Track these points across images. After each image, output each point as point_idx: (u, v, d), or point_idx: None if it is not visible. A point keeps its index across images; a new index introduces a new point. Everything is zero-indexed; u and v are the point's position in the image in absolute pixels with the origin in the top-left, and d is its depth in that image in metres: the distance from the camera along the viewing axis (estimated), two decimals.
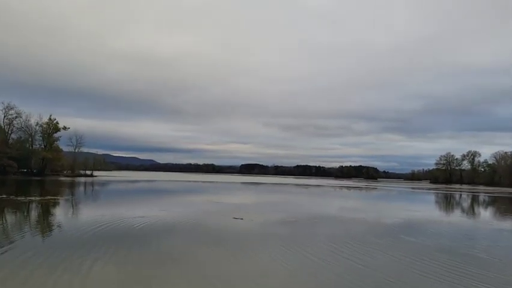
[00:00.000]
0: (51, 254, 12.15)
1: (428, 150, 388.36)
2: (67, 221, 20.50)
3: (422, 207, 40.18)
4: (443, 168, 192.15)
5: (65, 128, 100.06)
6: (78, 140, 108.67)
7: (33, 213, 24.37)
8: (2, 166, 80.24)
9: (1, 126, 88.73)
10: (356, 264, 12.21)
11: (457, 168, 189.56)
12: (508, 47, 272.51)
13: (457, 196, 67.31)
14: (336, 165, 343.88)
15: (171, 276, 10.21)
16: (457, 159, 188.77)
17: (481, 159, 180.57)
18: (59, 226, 18.70)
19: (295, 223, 22.20)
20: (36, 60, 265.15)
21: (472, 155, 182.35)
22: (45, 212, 25.24)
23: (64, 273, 10.01)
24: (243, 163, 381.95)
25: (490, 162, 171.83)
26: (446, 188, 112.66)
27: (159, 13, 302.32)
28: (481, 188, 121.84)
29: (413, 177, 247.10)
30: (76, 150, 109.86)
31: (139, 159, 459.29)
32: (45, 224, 19.77)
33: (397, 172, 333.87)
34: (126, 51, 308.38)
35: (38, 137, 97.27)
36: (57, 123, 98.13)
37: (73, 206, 29.31)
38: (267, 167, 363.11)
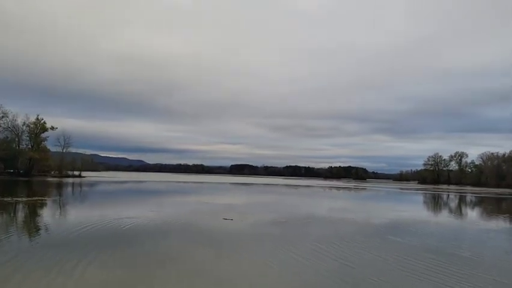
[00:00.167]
0: (37, 256, 12.04)
1: (416, 151, 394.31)
2: (54, 222, 20.29)
3: (410, 208, 40.61)
4: (431, 168, 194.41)
5: (52, 128, 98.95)
6: (66, 140, 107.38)
7: (20, 215, 24.06)
8: None
9: None
10: (343, 264, 12.32)
11: (444, 168, 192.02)
12: (495, 50, 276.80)
13: (445, 196, 68.12)
14: (326, 165, 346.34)
15: (160, 277, 10.19)
16: (444, 160, 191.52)
17: (468, 160, 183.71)
18: (46, 227, 18.51)
19: (285, 224, 22.28)
20: (25, 60, 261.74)
21: (459, 156, 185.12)
22: (32, 213, 24.92)
23: (50, 274, 9.94)
24: (233, 163, 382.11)
25: (476, 163, 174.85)
26: (433, 188, 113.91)
27: (151, 14, 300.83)
28: (468, 188, 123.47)
29: (402, 177, 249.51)
30: (64, 151, 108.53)
31: (128, 159, 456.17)
32: (32, 225, 19.54)
33: (386, 173, 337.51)
34: (117, 52, 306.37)
35: (25, 137, 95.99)
36: (44, 123, 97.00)
37: (60, 207, 29.00)
38: (257, 167, 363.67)
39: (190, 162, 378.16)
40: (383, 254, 14.12)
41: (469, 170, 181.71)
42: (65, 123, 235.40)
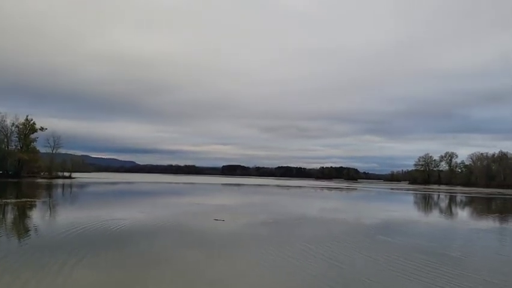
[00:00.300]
0: (26, 257, 11.90)
1: (407, 152, 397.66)
2: (43, 224, 20.08)
3: (400, 208, 40.94)
4: (422, 169, 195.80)
5: (42, 128, 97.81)
6: (56, 141, 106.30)
7: (9, 216, 23.77)
8: None
9: None
10: (334, 265, 12.35)
11: (435, 169, 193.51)
12: (484, 52, 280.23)
13: (435, 196, 68.72)
14: (317, 166, 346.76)
15: (152, 278, 10.13)
16: (435, 160, 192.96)
17: (458, 161, 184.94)
18: (35, 229, 18.32)
19: (277, 224, 22.29)
20: (13, 59, 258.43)
21: (450, 156, 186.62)
22: (22, 214, 24.65)
23: (40, 276, 9.82)
24: (225, 164, 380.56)
25: (466, 163, 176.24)
26: (424, 188, 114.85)
27: (139, 14, 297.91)
28: (458, 188, 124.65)
29: (393, 178, 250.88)
30: (54, 152, 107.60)
31: (119, 160, 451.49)
32: (21, 227, 19.33)
33: (377, 173, 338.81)
34: (106, 52, 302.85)
35: (14, 137, 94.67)
36: (34, 123, 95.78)
37: (50, 208, 28.72)
38: (248, 168, 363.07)
39: (182, 163, 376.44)
40: (374, 254, 14.18)
41: (459, 170, 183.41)
42: (54, 124, 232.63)
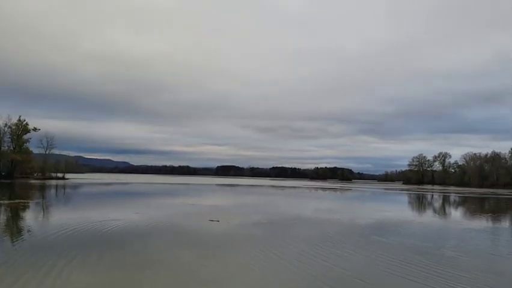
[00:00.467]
0: (19, 259, 11.81)
1: (401, 152, 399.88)
2: (36, 225, 19.92)
3: (395, 208, 41.11)
4: (416, 169, 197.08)
5: (35, 129, 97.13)
6: (49, 141, 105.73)
7: (1, 217, 23.56)
8: None
9: None
10: (328, 266, 12.37)
11: (428, 169, 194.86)
12: (476, 52, 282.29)
13: (429, 196, 69.11)
14: (312, 166, 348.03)
15: (146, 278, 10.09)
16: (428, 160, 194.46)
17: (452, 161, 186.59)
18: (28, 230, 18.18)
19: (271, 225, 22.30)
20: (8, 59, 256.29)
21: (443, 157, 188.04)
22: (15, 215, 24.46)
23: (33, 279, 9.75)
24: (219, 165, 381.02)
25: (460, 163, 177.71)
26: (418, 188, 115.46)
27: (133, 14, 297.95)
28: (452, 188, 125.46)
29: (387, 178, 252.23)
30: (47, 152, 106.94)
31: (113, 161, 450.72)
32: (14, 228, 19.17)
33: (371, 173, 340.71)
34: (100, 52, 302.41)
35: (6, 138, 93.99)
36: (27, 124, 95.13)
37: (43, 209, 28.53)
38: (243, 168, 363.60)
39: (176, 164, 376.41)
40: (368, 255, 14.23)
41: (452, 171, 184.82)
42: (48, 125, 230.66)
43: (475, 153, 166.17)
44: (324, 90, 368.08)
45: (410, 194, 77.63)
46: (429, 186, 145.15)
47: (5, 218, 23.66)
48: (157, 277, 10.42)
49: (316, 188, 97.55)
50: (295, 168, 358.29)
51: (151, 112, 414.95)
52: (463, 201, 57.25)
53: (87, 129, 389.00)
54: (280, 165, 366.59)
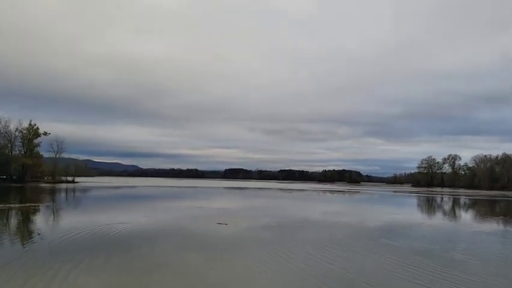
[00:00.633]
0: (29, 262, 11.97)
1: (410, 154, 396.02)
2: (47, 228, 20.17)
3: (404, 210, 40.85)
4: (425, 171, 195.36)
5: (45, 133, 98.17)
6: (59, 145, 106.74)
7: (13, 221, 23.87)
8: None
9: None
10: (336, 269, 12.35)
11: (438, 171, 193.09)
12: (485, 53, 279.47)
13: (438, 199, 68.52)
14: (320, 169, 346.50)
15: (154, 281, 10.17)
16: (438, 162, 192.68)
17: (461, 163, 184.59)
18: (38, 233, 18.40)
19: (279, 228, 22.30)
20: (14, 64, 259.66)
21: (453, 159, 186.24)
22: (25, 219, 24.76)
23: (40, 281, 9.89)
24: (227, 168, 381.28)
25: (470, 165, 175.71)
26: (427, 191, 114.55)
27: (138, 18, 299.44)
28: (462, 191, 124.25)
29: (395, 180, 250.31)
30: (57, 156, 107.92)
31: (122, 164, 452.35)
32: (24, 231, 19.42)
33: (379, 176, 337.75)
34: (106, 56, 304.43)
35: (17, 142, 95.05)
36: (37, 128, 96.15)
37: (53, 212, 28.82)
38: (251, 171, 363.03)
39: (184, 167, 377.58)
40: (376, 258, 14.18)
41: (462, 173, 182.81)
42: (56, 128, 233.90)
43: (485, 155, 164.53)
44: (331, 91, 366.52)
45: (419, 196, 77.05)
46: (438, 189, 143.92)
47: (16, 221, 23.97)
48: (164, 280, 10.50)
49: (325, 191, 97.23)
50: (303, 171, 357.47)
51: (158, 115, 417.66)
52: (473, 204, 56.66)
53: (95, 133, 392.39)
54: (288, 168, 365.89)
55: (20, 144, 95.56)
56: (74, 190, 66.03)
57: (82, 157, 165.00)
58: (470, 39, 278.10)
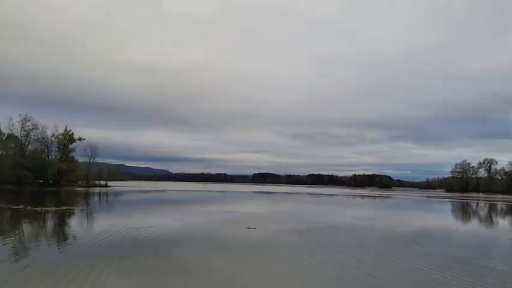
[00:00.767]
0: (63, 264, 12.34)
1: (443, 158, 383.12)
2: (80, 231, 20.75)
3: (437, 216, 39.63)
4: (459, 176, 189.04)
5: (80, 139, 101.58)
6: (93, 150, 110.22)
7: (49, 223, 24.72)
8: (19, 177, 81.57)
9: (18, 138, 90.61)
10: (366, 275, 12.09)
11: (473, 176, 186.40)
12: None
13: (474, 205, 66.13)
14: (349, 173, 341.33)
15: (179, 285, 10.26)
16: (473, 167, 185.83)
17: (498, 167, 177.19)
18: (73, 236, 18.96)
19: (308, 232, 22.09)
20: (52, 73, 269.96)
21: (489, 163, 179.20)
22: (61, 222, 25.60)
23: (74, 280, 10.16)
24: (256, 172, 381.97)
25: (507, 170, 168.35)
26: (462, 196, 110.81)
27: (168, 25, 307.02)
28: (499, 196, 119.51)
29: (428, 185, 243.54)
30: (91, 161, 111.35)
31: (153, 169, 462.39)
32: (60, 233, 20.08)
33: (411, 180, 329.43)
34: (136, 63, 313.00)
35: (54, 148, 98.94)
36: (72, 134, 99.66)
37: (87, 216, 29.67)
38: (279, 176, 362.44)
39: (213, 171, 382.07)
40: (409, 265, 13.80)
41: (499, 178, 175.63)
42: (90, 134, 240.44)
43: None
44: (360, 95, 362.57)
45: (453, 202, 74.58)
46: (474, 194, 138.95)
47: (52, 224, 24.79)
48: (191, 284, 10.56)
49: (355, 196, 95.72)
50: (332, 176, 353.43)
51: (188, 120, 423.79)
52: (511, 210, 54.32)
53: (127, 138, 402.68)
54: (317, 173, 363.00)
55: (56, 149, 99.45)
56: (107, 194, 67.77)
57: (114, 162, 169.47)
58: (507, 39, 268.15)
